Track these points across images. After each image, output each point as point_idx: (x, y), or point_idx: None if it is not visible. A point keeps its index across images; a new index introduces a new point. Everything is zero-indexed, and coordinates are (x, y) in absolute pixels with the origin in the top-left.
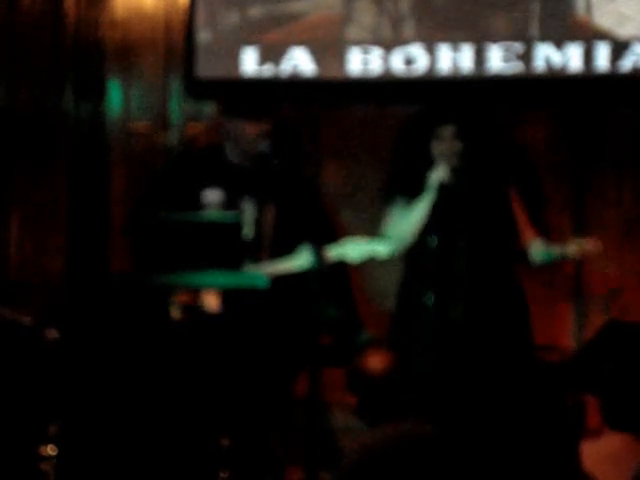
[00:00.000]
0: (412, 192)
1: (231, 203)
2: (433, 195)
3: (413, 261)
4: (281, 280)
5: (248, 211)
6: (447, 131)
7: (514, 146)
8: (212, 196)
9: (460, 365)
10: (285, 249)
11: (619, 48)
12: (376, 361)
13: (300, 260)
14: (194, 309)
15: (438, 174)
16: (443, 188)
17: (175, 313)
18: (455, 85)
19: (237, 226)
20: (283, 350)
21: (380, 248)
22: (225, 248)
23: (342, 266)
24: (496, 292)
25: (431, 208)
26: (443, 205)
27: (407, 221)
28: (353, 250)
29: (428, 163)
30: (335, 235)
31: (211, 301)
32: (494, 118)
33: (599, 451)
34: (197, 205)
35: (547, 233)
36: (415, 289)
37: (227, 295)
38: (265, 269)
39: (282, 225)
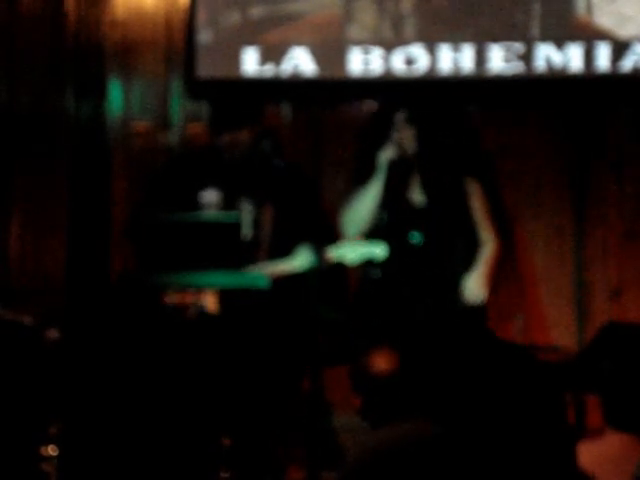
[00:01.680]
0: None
1: (229, 203)
2: (384, 175)
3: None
4: (280, 280)
5: (246, 211)
6: (399, 117)
7: (470, 138)
8: (210, 196)
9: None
10: (284, 249)
11: (620, 48)
12: (381, 362)
13: (299, 260)
14: (193, 309)
15: (387, 153)
16: (395, 168)
17: (172, 313)
18: (455, 85)
19: (237, 226)
20: (282, 350)
21: (377, 250)
22: (225, 248)
23: (340, 267)
24: (448, 271)
25: (384, 188)
26: (395, 185)
27: (361, 203)
28: (351, 252)
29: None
30: (334, 235)
31: (209, 301)
32: (449, 108)
33: (599, 451)
34: (195, 206)
35: (505, 228)
36: (366, 266)
37: (226, 295)
38: (264, 269)
39: (281, 225)
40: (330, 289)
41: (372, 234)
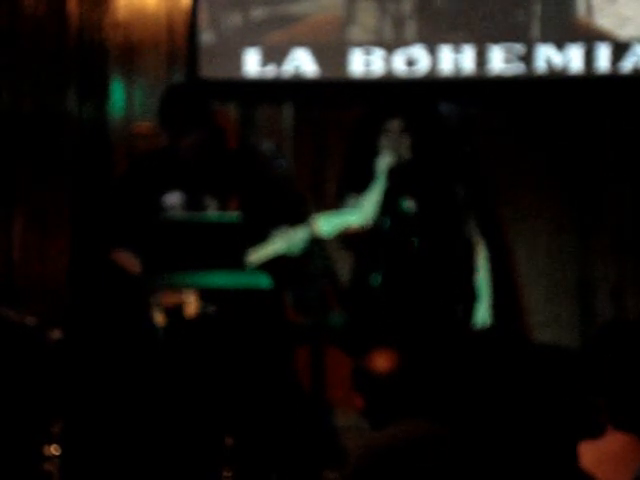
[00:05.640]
0: (363, 185)
1: (193, 202)
2: (383, 181)
3: (367, 244)
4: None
5: (212, 208)
6: (395, 124)
7: (463, 143)
8: (172, 198)
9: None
10: (257, 236)
11: (620, 49)
12: (383, 361)
13: (279, 243)
14: (176, 311)
15: (385, 160)
16: (392, 174)
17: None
18: (456, 86)
19: (237, 226)
20: (283, 349)
21: (353, 218)
22: (226, 248)
23: (319, 244)
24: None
25: (383, 194)
26: (389, 191)
27: (362, 209)
28: (326, 224)
29: (376, 157)
30: (306, 211)
31: (190, 302)
32: (441, 115)
33: (600, 451)
34: (159, 208)
35: (496, 243)
36: (367, 270)
37: (225, 294)
38: (251, 257)
39: (249, 213)
40: (309, 266)
41: (370, 240)
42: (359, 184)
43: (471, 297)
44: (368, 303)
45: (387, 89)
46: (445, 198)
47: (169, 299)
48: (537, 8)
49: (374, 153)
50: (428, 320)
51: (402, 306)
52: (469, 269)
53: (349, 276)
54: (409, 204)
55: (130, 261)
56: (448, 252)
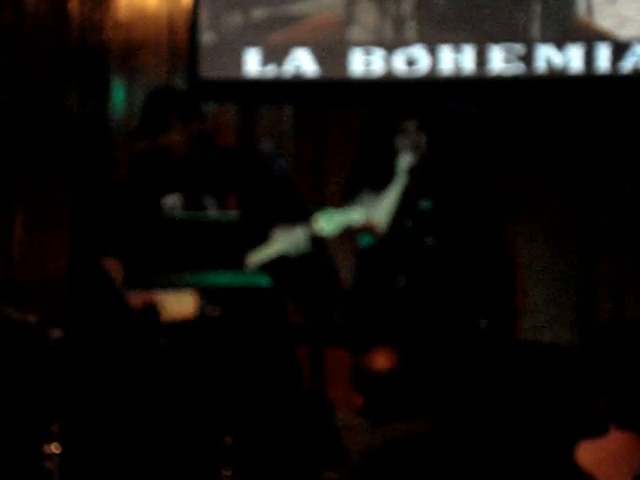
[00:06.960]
0: (377, 184)
1: (193, 202)
2: (403, 181)
3: (387, 245)
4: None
5: (211, 207)
6: (411, 124)
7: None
8: (172, 199)
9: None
10: (257, 236)
11: (620, 49)
12: (382, 360)
13: (281, 243)
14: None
15: (406, 159)
16: (411, 174)
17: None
18: (456, 86)
19: (237, 225)
20: (283, 347)
21: (355, 216)
22: (225, 247)
23: (321, 243)
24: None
25: (402, 193)
26: (411, 190)
27: (381, 208)
28: (328, 222)
29: (391, 156)
30: (306, 211)
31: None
32: (455, 115)
33: (600, 450)
34: (159, 210)
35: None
36: (389, 272)
37: (226, 293)
38: (250, 259)
39: (248, 212)
40: (311, 266)
41: (386, 239)
42: (372, 183)
43: (473, 298)
44: (382, 303)
45: (388, 89)
46: (460, 197)
47: (138, 299)
48: (537, 8)
49: (389, 152)
50: (431, 319)
51: (418, 307)
52: (474, 269)
53: (358, 276)
54: (427, 204)
55: (115, 268)
56: (462, 252)
